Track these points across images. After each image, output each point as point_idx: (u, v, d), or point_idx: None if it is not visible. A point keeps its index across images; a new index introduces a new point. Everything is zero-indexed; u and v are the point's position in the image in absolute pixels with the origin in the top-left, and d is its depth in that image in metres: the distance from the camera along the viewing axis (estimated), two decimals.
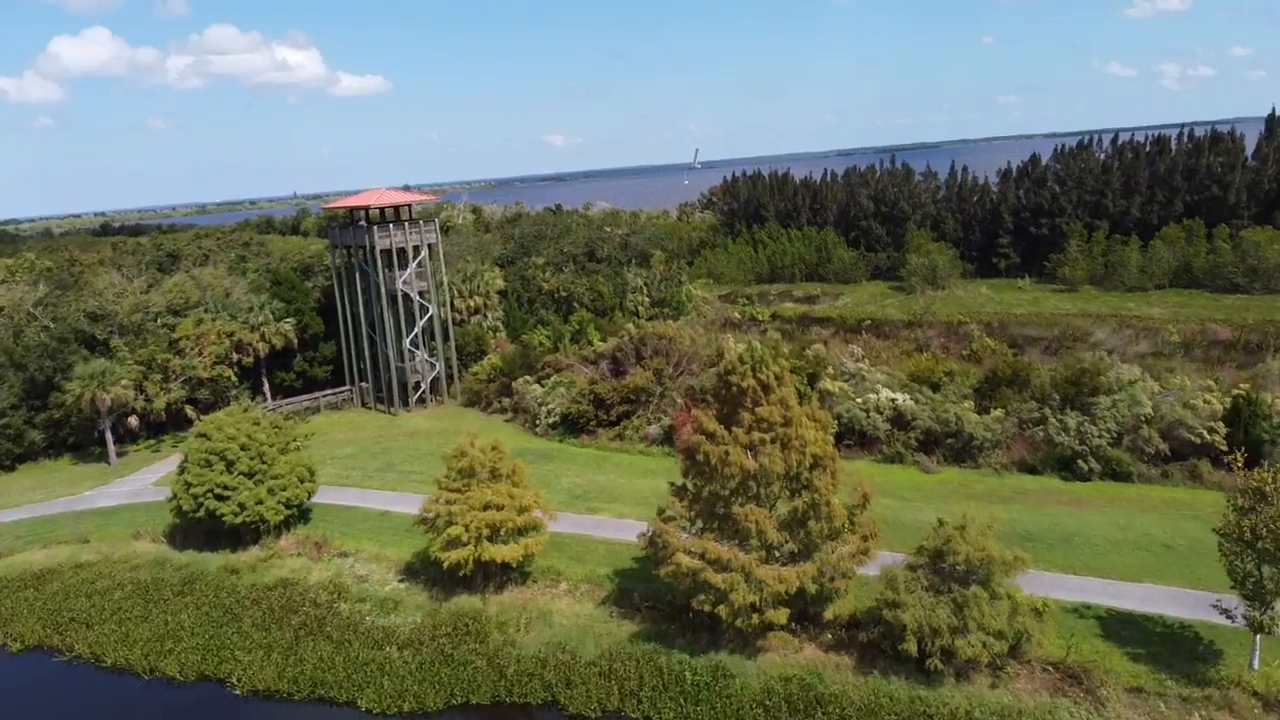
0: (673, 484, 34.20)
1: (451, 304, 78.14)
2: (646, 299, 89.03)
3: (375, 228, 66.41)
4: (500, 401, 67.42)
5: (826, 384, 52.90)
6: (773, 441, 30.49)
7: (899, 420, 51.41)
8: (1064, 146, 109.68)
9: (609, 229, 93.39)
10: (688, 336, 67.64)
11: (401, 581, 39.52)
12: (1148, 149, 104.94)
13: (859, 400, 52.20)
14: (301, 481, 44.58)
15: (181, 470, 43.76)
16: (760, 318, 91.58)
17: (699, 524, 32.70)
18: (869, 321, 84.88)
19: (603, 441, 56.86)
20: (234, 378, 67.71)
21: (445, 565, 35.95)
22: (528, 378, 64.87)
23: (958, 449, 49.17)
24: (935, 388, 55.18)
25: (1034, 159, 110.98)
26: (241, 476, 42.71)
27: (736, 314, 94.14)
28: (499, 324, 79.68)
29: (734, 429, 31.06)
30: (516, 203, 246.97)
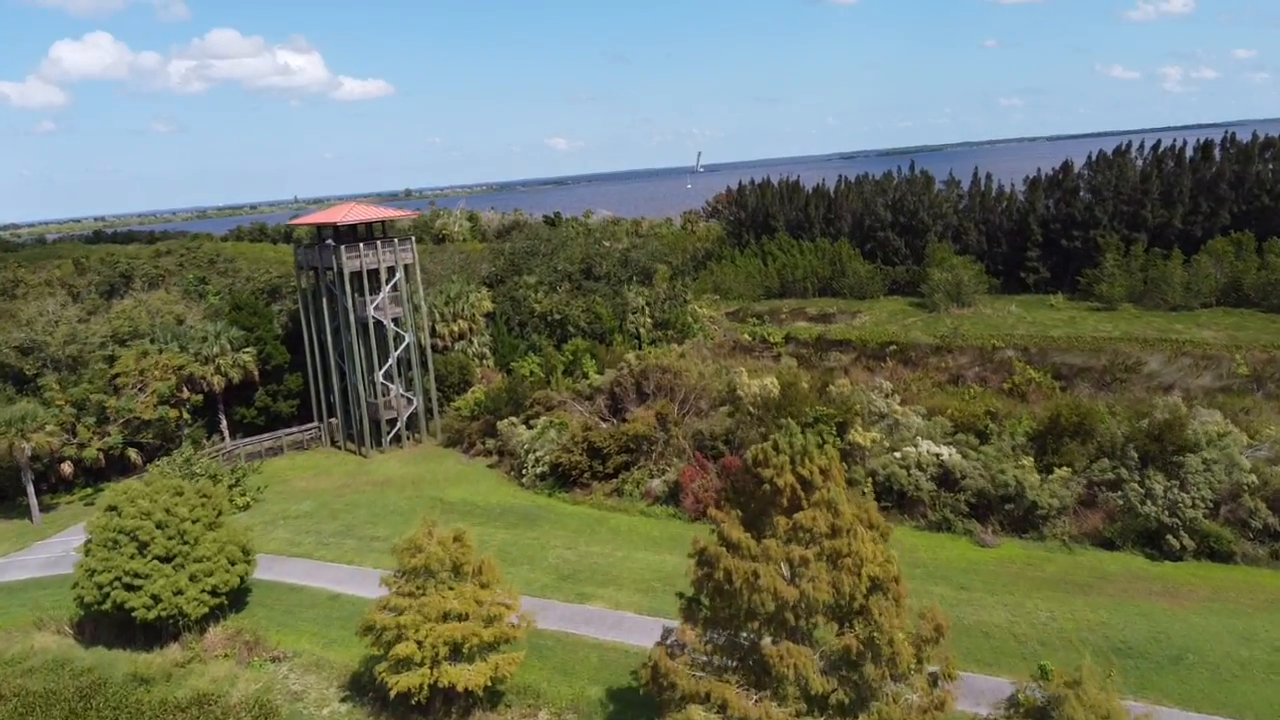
0: (681, 596, 26.55)
1: (433, 329, 70.62)
2: (649, 320, 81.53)
3: (344, 248, 58.90)
4: (484, 442, 59.84)
5: (858, 435, 45.26)
6: (818, 558, 22.88)
7: (945, 479, 43.81)
8: (1098, 153, 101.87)
9: (608, 243, 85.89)
10: (695, 370, 59.99)
11: (344, 700, 31.89)
12: (1190, 155, 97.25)
13: (897, 455, 44.57)
14: (233, 564, 36.97)
15: (86, 551, 36.21)
16: (773, 340, 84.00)
17: (717, 658, 25.07)
18: (893, 346, 77.19)
19: (598, 497, 49.24)
20: (187, 416, 60.28)
21: (393, 693, 28.40)
22: (513, 419, 57.26)
23: (1017, 516, 41.51)
24: (983, 436, 47.61)
25: (1065, 166, 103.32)
26: (156, 561, 35.13)
27: (746, 335, 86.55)
28: (486, 351, 72.15)
29: (765, 539, 23.45)
30: (515, 210, 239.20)
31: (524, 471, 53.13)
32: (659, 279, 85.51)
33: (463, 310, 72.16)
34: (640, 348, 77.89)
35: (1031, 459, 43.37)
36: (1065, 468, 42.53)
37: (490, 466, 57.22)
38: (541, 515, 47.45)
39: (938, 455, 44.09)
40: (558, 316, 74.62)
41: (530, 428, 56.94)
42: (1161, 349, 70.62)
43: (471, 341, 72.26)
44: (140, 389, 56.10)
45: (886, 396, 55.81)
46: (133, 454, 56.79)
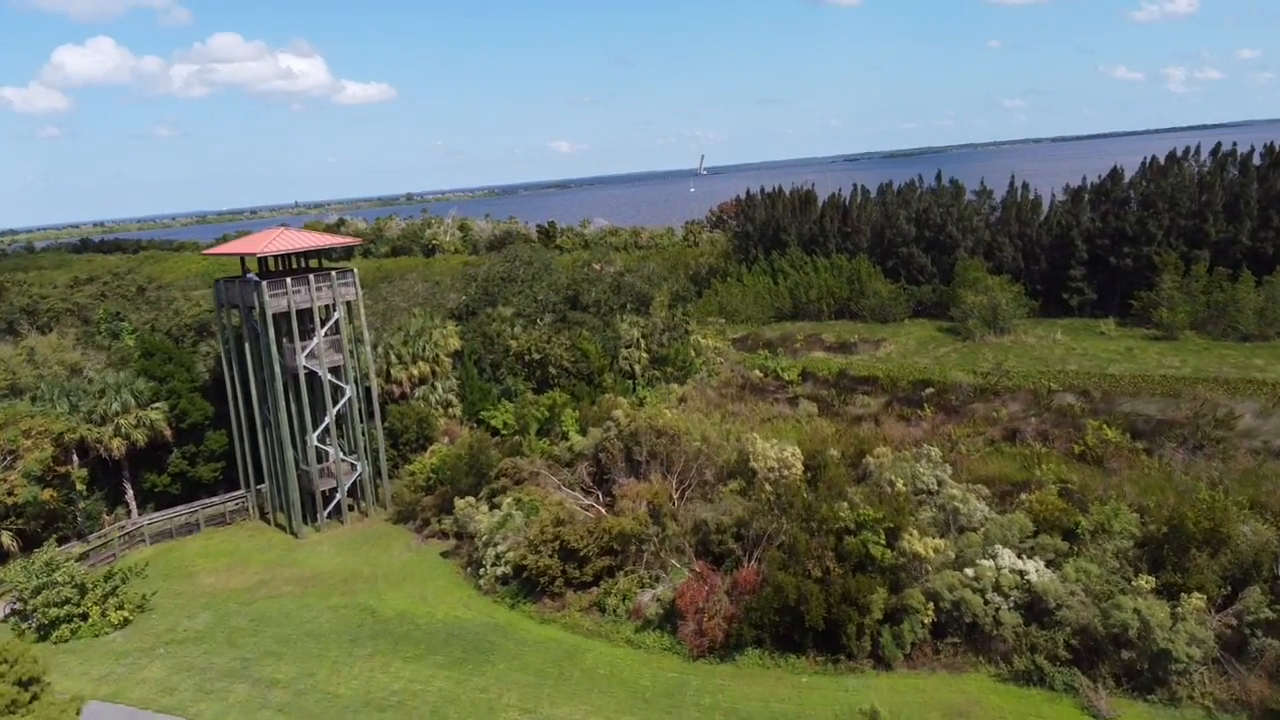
0: None
1: (388, 373, 59.87)
2: (645, 356, 70.55)
3: (266, 284, 48.01)
4: (439, 520, 48.91)
5: (915, 544, 34.12)
6: None
7: (1033, 606, 32.73)
8: (1150, 159, 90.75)
9: (597, 265, 74.90)
10: (698, 431, 49.06)
11: None
12: (1257, 161, 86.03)
13: (968, 573, 33.45)
14: None
15: None
16: (788, 378, 72.95)
17: None
18: (930, 388, 66.03)
19: (572, 614, 38.16)
20: (82, 487, 49.49)
21: None
22: (471, 499, 46.22)
23: (1136, 666, 30.40)
24: (1070, 535, 36.70)
25: (1113, 173, 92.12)
26: None
27: (758, 371, 75.51)
28: (451, 398, 61.20)
29: None
30: (510, 217, 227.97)
31: (482, 570, 42.12)
32: (656, 306, 74.50)
33: (424, 350, 61.23)
34: (635, 389, 67.22)
35: (1151, 581, 32.31)
36: (1196, 594, 31.47)
37: (445, 555, 46.26)
38: (497, 643, 36.33)
39: (1021, 573, 33.01)
40: (537, 356, 63.63)
41: (495, 506, 46.01)
42: (1252, 395, 59.38)
43: (435, 387, 61.33)
44: (10, 462, 45.20)
45: (935, 467, 45.11)
46: (7, 539, 45.95)
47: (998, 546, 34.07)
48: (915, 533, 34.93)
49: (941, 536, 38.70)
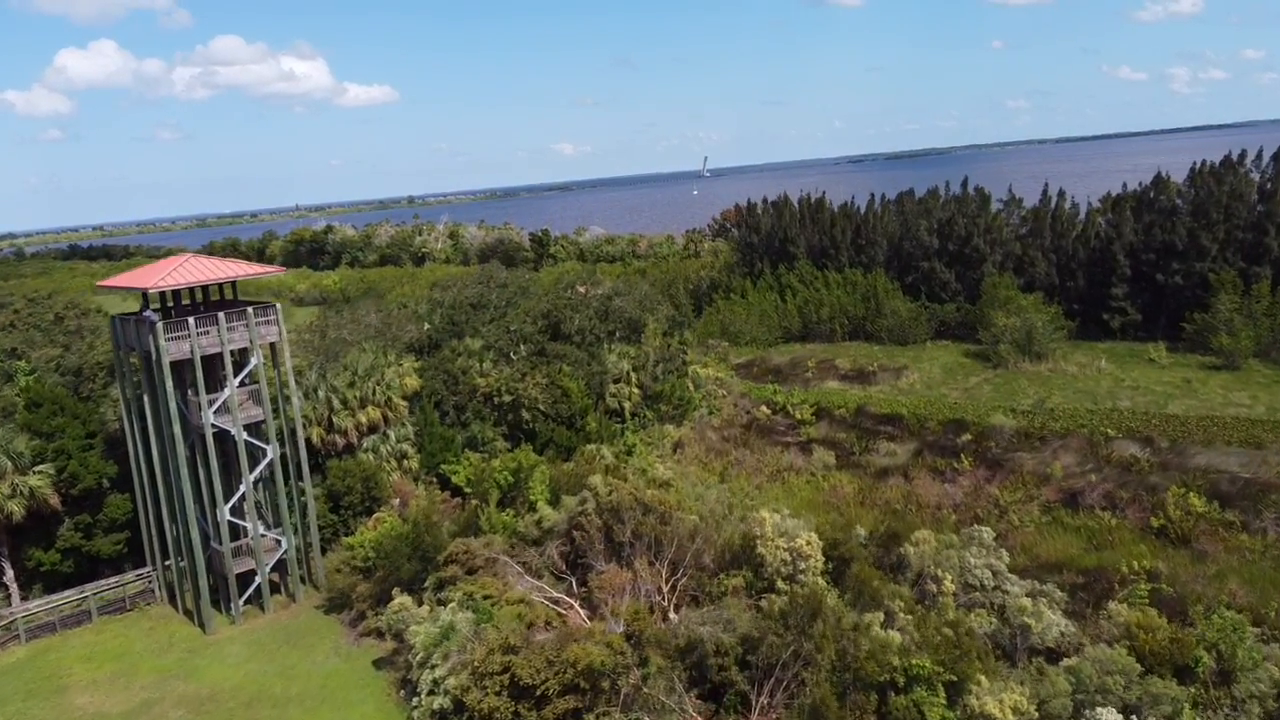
0: None
1: (330, 422, 50.83)
2: (636, 392, 61.59)
3: (161, 325, 38.94)
4: (377, 615, 39.78)
5: (987, 703, 24.91)
6: None
7: None
8: (1202, 163, 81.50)
9: (582, 288, 65.79)
10: (693, 503, 40.01)
11: None
12: None
13: None
14: None
15: None
16: (800, 416, 63.84)
17: None
18: (967, 434, 56.81)
19: None
20: None
21: None
22: (408, 599, 37.12)
23: None
24: (1184, 674, 27.64)
25: (1158, 181, 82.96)
26: None
27: (764, 407, 66.46)
28: (407, 448, 52.18)
29: None
30: (505, 223, 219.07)
31: (418, 698, 33.00)
32: (650, 334, 65.38)
33: (374, 393, 52.14)
34: (624, 433, 58.25)
35: None
36: None
37: (378, 664, 37.19)
38: None
39: None
40: (508, 397, 54.56)
41: (442, 602, 36.96)
42: None
43: (387, 436, 52.27)
44: None
45: (989, 554, 36.23)
46: None
47: (1099, 709, 24.82)
48: (984, 681, 25.76)
49: (1009, 662, 29.81)
